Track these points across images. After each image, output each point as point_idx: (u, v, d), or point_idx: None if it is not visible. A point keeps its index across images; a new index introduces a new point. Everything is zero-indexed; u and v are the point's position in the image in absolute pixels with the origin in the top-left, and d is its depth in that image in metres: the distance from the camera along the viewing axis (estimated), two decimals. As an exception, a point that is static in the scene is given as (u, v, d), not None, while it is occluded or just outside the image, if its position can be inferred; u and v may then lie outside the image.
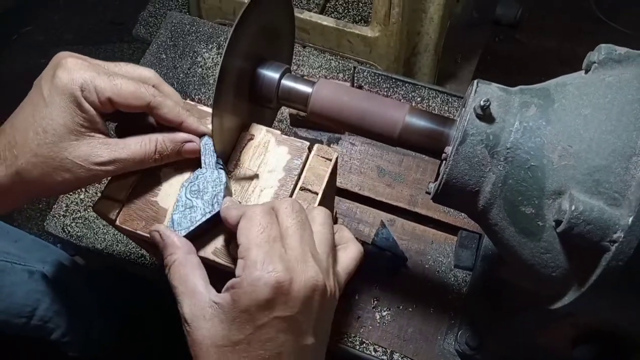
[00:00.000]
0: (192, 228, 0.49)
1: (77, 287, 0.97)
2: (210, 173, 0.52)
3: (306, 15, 1.02)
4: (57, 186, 0.50)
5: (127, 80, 0.49)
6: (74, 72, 0.48)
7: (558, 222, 0.40)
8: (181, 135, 0.53)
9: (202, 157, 0.53)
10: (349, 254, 0.48)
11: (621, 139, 0.40)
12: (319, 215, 0.47)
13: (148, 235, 0.53)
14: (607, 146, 0.40)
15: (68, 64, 0.48)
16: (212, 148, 0.53)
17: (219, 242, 0.52)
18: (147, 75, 0.53)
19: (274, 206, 0.46)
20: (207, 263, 0.52)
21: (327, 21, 1.01)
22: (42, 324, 0.88)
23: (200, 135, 0.54)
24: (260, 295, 0.40)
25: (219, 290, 0.44)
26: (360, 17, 1.19)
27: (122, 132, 0.55)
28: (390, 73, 0.90)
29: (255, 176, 0.54)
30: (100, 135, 0.50)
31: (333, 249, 0.46)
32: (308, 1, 1.21)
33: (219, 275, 0.52)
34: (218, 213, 0.49)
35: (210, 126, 0.52)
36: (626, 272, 0.39)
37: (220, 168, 0.53)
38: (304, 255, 0.42)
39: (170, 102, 0.52)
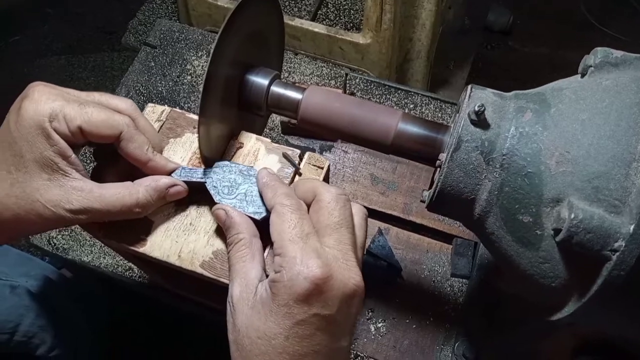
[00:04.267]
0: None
1: (63, 300, 0.94)
2: (223, 175, 0.50)
3: (297, 22, 1.01)
4: (29, 228, 0.47)
5: (99, 108, 0.46)
6: (41, 102, 0.44)
7: (557, 231, 0.39)
8: (163, 181, 0.49)
9: (197, 180, 0.50)
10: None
11: (620, 144, 0.38)
12: (359, 215, 0.45)
13: (134, 248, 0.51)
14: (606, 152, 0.39)
15: (35, 94, 0.45)
16: (196, 173, 0.51)
17: (207, 255, 0.50)
18: (122, 106, 0.50)
19: (317, 194, 0.44)
20: (195, 277, 0.51)
21: (318, 28, 1.00)
22: (27, 340, 0.86)
23: (169, 174, 0.51)
24: (299, 290, 0.39)
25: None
26: (352, 24, 1.18)
27: (99, 156, 0.52)
28: (382, 80, 0.89)
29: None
30: (75, 175, 0.46)
31: (362, 249, 0.45)
32: (299, 8, 1.20)
33: (211, 287, 0.51)
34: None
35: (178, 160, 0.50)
36: (628, 282, 0.37)
37: (214, 171, 0.51)
38: (344, 255, 0.41)
39: (142, 138, 0.48)
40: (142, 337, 1.15)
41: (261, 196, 0.48)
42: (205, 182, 0.50)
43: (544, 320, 0.49)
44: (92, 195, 0.46)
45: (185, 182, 0.50)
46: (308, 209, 0.45)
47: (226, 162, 0.51)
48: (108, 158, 0.51)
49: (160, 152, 0.52)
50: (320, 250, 0.40)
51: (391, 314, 0.73)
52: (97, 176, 0.51)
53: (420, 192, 0.83)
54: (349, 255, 0.41)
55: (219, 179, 0.50)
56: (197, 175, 0.51)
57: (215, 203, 0.49)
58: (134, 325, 1.14)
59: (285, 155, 0.54)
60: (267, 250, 0.47)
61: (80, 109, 0.46)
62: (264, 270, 0.44)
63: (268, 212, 0.46)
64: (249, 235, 0.45)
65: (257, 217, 0.47)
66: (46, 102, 0.45)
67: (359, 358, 0.71)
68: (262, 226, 0.47)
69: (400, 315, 0.73)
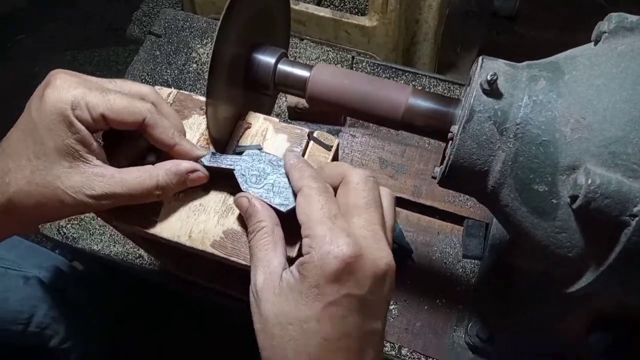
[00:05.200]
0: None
1: (75, 292, 0.95)
2: (251, 164, 0.49)
3: (302, 6, 1.00)
4: (51, 215, 0.47)
5: (121, 95, 0.46)
6: (63, 90, 0.44)
7: (574, 198, 0.38)
8: (184, 165, 0.48)
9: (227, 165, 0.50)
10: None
11: (637, 108, 0.38)
12: (387, 197, 0.45)
13: (145, 230, 0.51)
14: (623, 116, 0.38)
15: (57, 81, 0.45)
16: (225, 160, 0.50)
17: (217, 234, 0.50)
18: (145, 91, 0.50)
19: (345, 175, 0.43)
20: (206, 257, 0.50)
21: (323, 12, 0.99)
22: (40, 331, 0.86)
23: (195, 159, 0.50)
24: (329, 269, 0.38)
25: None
26: (357, 10, 1.17)
27: (108, 139, 0.51)
28: (389, 62, 0.88)
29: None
30: (96, 162, 0.46)
31: (392, 232, 0.44)
32: (303, -5, 1.19)
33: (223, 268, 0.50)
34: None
35: (201, 148, 0.50)
36: (648, 248, 0.37)
37: (237, 156, 0.50)
38: (374, 235, 0.40)
39: (166, 122, 0.48)
40: (152, 326, 1.16)
41: (291, 188, 0.47)
42: (234, 170, 0.49)
43: (559, 297, 0.48)
44: (114, 180, 0.46)
45: (210, 167, 0.50)
46: (335, 193, 0.44)
47: (256, 151, 0.50)
48: (117, 141, 0.51)
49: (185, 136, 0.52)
50: (349, 230, 0.40)
51: (403, 297, 0.73)
52: (107, 160, 0.51)
53: (429, 174, 0.82)
54: (379, 236, 0.41)
55: (247, 167, 0.49)
56: (225, 162, 0.50)
57: (240, 190, 0.48)
58: (143, 315, 1.14)
59: (314, 139, 0.53)
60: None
61: (103, 96, 0.45)
62: (286, 259, 0.43)
63: (294, 204, 0.45)
64: (272, 223, 0.44)
65: (283, 209, 0.46)
66: (68, 90, 0.44)
67: (372, 340, 0.70)
68: (286, 218, 0.46)
69: (412, 298, 0.73)
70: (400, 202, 0.80)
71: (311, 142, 0.54)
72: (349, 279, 0.38)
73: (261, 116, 0.56)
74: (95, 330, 0.99)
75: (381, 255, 0.39)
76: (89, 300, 0.97)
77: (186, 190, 0.52)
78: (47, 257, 0.94)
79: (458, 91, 0.86)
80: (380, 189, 0.45)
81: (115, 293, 1.08)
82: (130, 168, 0.47)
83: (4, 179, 0.45)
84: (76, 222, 0.80)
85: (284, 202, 0.47)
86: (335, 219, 0.40)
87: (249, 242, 0.45)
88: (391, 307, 0.72)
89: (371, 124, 0.86)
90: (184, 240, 0.50)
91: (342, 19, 0.98)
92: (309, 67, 0.54)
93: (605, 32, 0.44)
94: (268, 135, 0.54)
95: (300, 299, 0.39)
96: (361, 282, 0.38)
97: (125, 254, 0.78)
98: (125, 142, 0.51)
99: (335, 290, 0.38)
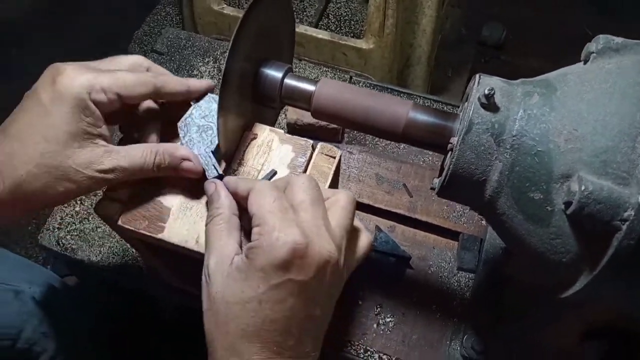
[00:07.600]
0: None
1: (66, 308, 0.94)
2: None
3: (301, 28, 1.04)
4: (58, 197, 0.49)
5: (126, 72, 0.51)
6: (77, 77, 0.48)
7: (568, 204, 0.41)
8: (180, 152, 0.52)
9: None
10: (361, 242, 0.49)
11: (625, 120, 0.40)
12: (343, 199, 0.47)
13: (153, 235, 0.52)
14: (612, 127, 0.41)
15: (67, 70, 0.48)
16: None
17: (201, 232, 0.51)
18: (139, 61, 0.55)
19: (290, 180, 0.47)
20: (188, 254, 0.52)
21: (321, 34, 1.03)
22: (29, 347, 0.84)
23: (209, 89, 0.55)
24: (277, 255, 0.40)
25: None
26: (352, 34, 1.21)
27: (126, 141, 0.55)
28: (385, 84, 0.92)
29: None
30: (103, 142, 0.50)
31: (349, 233, 0.46)
32: (301, 19, 1.23)
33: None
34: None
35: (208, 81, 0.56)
36: (638, 251, 0.39)
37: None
38: (318, 229, 0.43)
39: (171, 76, 0.53)
40: (150, 342, 1.14)
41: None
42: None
43: (551, 304, 0.50)
44: (120, 154, 0.50)
45: None
46: None
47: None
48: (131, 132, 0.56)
49: None
50: (298, 222, 0.42)
51: (400, 310, 0.74)
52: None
53: (425, 190, 0.84)
54: (323, 230, 0.43)
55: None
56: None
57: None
58: (140, 330, 1.13)
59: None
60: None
61: (112, 76, 0.49)
62: (240, 247, 0.45)
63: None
64: (229, 211, 0.47)
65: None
66: (82, 76, 0.48)
67: (368, 353, 0.71)
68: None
69: (408, 311, 0.74)
70: (395, 218, 0.82)
71: (315, 153, 0.56)
72: (294, 266, 0.41)
73: (267, 127, 0.58)
74: (88, 347, 0.98)
75: (324, 246, 0.42)
76: (81, 317, 0.96)
77: (192, 197, 0.53)
78: (38, 272, 0.93)
79: (450, 112, 0.89)
80: (341, 191, 0.48)
81: (110, 308, 1.07)
82: (134, 145, 0.51)
83: (12, 162, 0.47)
84: (75, 233, 0.80)
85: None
86: (286, 211, 0.43)
87: (205, 227, 0.47)
88: (388, 320, 0.73)
89: (368, 141, 0.88)
90: (191, 245, 0.51)
91: (340, 42, 1.02)
92: (314, 82, 0.56)
93: (593, 53, 0.47)
94: (274, 145, 0.57)
95: (246, 280, 0.41)
96: (305, 269, 0.41)
97: (124, 266, 0.78)
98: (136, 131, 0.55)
99: (280, 275, 0.40)
